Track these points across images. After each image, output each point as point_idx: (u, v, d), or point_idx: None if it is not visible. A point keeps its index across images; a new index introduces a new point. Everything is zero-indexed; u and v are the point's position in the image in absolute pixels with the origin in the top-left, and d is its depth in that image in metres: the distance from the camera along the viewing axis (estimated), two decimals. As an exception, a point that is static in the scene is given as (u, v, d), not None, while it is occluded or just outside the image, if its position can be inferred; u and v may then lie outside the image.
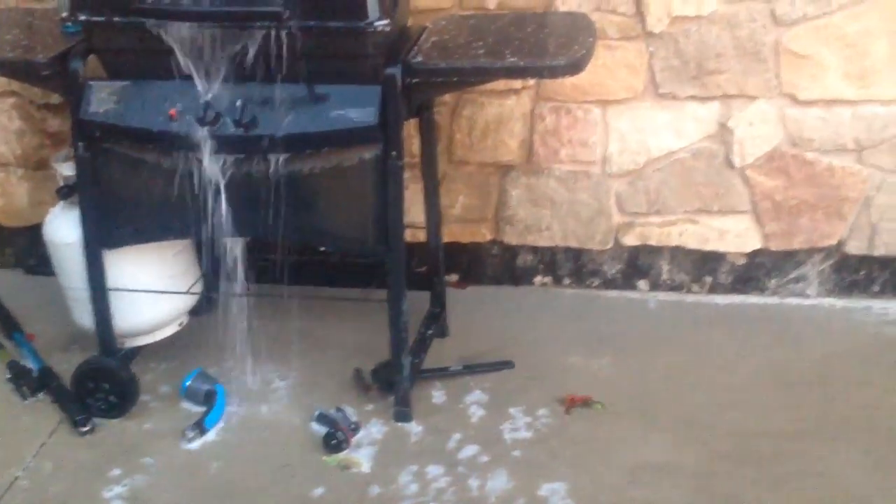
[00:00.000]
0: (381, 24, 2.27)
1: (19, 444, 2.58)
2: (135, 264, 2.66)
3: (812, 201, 3.03)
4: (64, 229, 2.66)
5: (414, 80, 2.35)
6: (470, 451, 2.50)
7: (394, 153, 2.39)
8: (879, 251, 3.08)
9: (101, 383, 2.63)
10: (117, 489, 2.42)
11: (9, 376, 2.82)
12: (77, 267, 2.63)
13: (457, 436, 2.55)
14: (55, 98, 3.22)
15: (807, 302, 3.15)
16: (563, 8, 2.91)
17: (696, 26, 2.89)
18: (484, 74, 2.50)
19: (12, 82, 3.22)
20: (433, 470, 2.43)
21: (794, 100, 2.93)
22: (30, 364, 2.86)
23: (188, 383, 2.70)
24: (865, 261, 3.12)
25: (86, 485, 2.43)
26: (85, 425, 2.60)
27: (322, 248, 2.76)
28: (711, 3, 2.86)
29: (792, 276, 3.16)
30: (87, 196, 2.56)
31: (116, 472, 2.47)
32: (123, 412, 2.67)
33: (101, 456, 2.53)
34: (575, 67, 2.35)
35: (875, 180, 2.99)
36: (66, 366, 2.80)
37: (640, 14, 2.90)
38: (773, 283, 3.18)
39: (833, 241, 3.09)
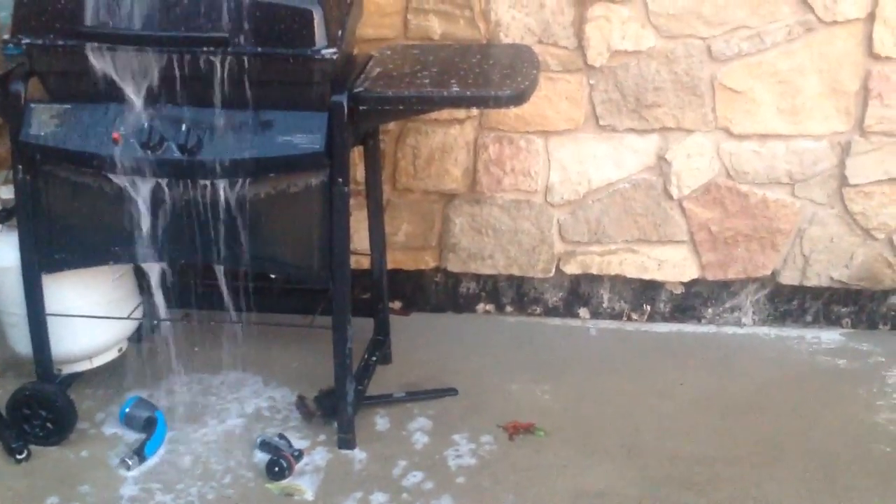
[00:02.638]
0: (329, 52, 2.28)
1: (-49, 473, 2.52)
2: (74, 289, 2.62)
3: (747, 232, 3.11)
4: (2, 253, 2.60)
5: (360, 108, 2.37)
6: (414, 477, 2.49)
7: (340, 180, 2.39)
8: (812, 282, 3.16)
9: (37, 410, 2.57)
10: (54, 518, 2.37)
11: (-60, 404, 2.75)
12: (14, 291, 2.58)
13: (401, 462, 2.55)
14: (-8, 120, 3.17)
15: (742, 330, 3.23)
16: (506, 40, 2.96)
17: (634, 61, 2.96)
18: (429, 103, 2.53)
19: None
20: (378, 497, 2.42)
21: (730, 133, 3.01)
22: (-38, 391, 2.80)
23: (127, 410, 2.65)
24: (798, 291, 3.20)
25: (21, 514, 2.39)
26: (21, 453, 2.54)
27: (272, 276, 2.75)
28: (650, 38, 2.93)
29: (728, 305, 3.23)
30: (26, 219, 2.51)
31: (54, 500, 2.42)
32: (61, 439, 2.61)
33: (37, 484, 2.48)
34: (519, 98, 2.38)
35: (807, 213, 3.08)
36: (0, 392, 2.74)
37: (581, 48, 2.96)
38: (709, 311, 3.25)
39: (767, 272, 3.16)
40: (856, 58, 2.91)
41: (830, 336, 3.18)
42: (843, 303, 3.21)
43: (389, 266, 3.03)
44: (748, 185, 3.06)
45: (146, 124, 2.36)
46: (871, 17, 2.86)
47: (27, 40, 2.34)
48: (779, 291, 3.21)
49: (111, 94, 2.35)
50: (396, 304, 3.30)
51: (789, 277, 3.17)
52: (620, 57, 2.96)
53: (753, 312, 3.24)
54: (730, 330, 3.23)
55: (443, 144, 3.10)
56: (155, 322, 2.87)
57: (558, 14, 2.92)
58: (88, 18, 2.27)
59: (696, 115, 2.99)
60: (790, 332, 3.21)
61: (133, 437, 2.64)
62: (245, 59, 2.27)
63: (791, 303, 3.22)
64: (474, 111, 3.05)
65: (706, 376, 2.96)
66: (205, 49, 2.27)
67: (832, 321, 3.23)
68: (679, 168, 3.05)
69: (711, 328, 3.24)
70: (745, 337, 3.20)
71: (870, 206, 3.05)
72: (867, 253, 3.11)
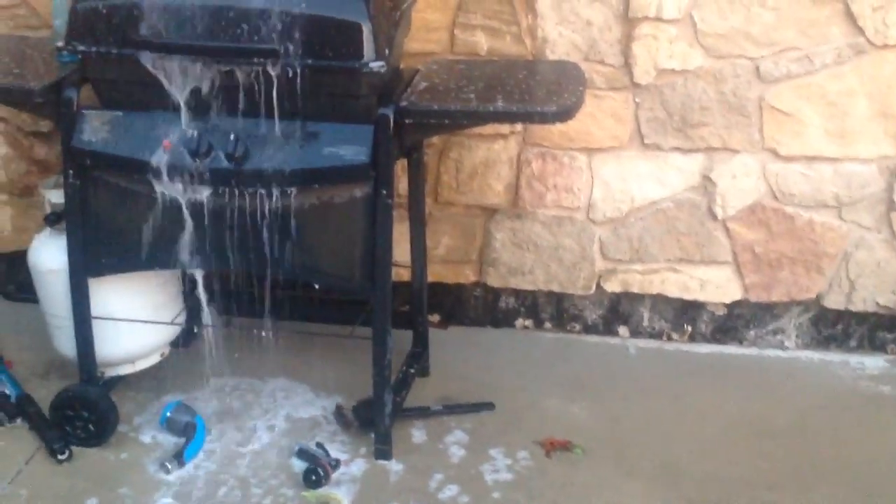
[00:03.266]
0: (376, 65, 2.30)
1: (-5, 471, 2.56)
2: (119, 293, 2.65)
3: (792, 255, 3.08)
4: (49, 256, 2.65)
5: (406, 121, 2.38)
6: (450, 491, 2.49)
7: (384, 192, 2.41)
8: (857, 307, 3.12)
9: (80, 412, 2.61)
10: (93, 519, 2.40)
11: (-14, 403, 2.80)
12: (61, 294, 2.62)
13: (437, 476, 2.55)
14: (44, 125, 3.23)
15: (784, 354, 3.19)
16: (552, 56, 2.96)
17: (681, 80, 2.95)
18: (475, 118, 2.53)
19: (0, 108, 3.23)
20: (413, 509, 2.44)
21: (776, 155, 2.99)
22: (7, 390, 2.83)
23: (168, 414, 2.68)
24: (843, 315, 3.16)
25: (62, 514, 2.42)
26: (63, 453, 2.58)
27: (316, 286, 2.76)
28: (697, 58, 2.92)
29: (770, 327, 3.20)
30: (74, 224, 2.56)
31: (93, 501, 2.45)
32: (102, 441, 2.65)
33: (77, 485, 2.51)
34: (565, 114, 2.39)
35: (854, 237, 3.05)
36: (44, 392, 2.78)
37: (627, 66, 2.95)
38: (751, 334, 3.21)
39: (812, 295, 3.13)
40: (906, 81, 2.88)
41: (875, 362, 3.14)
42: (889, 329, 3.16)
43: (429, 279, 3.03)
44: (794, 206, 3.03)
45: (195, 133, 2.38)
46: (924, 41, 2.83)
47: (81, 48, 2.38)
48: (823, 315, 3.17)
49: (162, 102, 2.38)
50: (435, 318, 3.30)
51: (834, 301, 3.13)
52: (667, 76, 2.95)
53: (797, 336, 3.20)
54: (772, 353, 3.19)
55: (486, 159, 3.10)
56: (197, 328, 2.90)
57: (605, 31, 2.92)
58: (142, 27, 2.31)
59: (743, 135, 2.97)
60: (833, 356, 3.17)
61: (173, 441, 2.67)
62: (294, 70, 2.29)
63: (835, 327, 3.18)
64: (518, 126, 3.05)
65: (747, 399, 2.93)
66: (255, 60, 2.29)
67: (877, 347, 3.19)
68: (724, 188, 3.03)
69: (753, 350, 3.21)
70: (788, 361, 3.16)
71: (918, 232, 3.02)
72: (914, 279, 3.07)
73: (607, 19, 2.91)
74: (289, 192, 2.39)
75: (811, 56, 2.88)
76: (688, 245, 3.12)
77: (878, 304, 3.11)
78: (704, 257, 3.12)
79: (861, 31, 2.83)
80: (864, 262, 3.07)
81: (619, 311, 3.26)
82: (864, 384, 3.02)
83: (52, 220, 2.66)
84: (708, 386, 3.00)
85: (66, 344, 2.70)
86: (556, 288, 3.23)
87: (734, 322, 3.21)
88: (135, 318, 2.67)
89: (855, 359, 3.15)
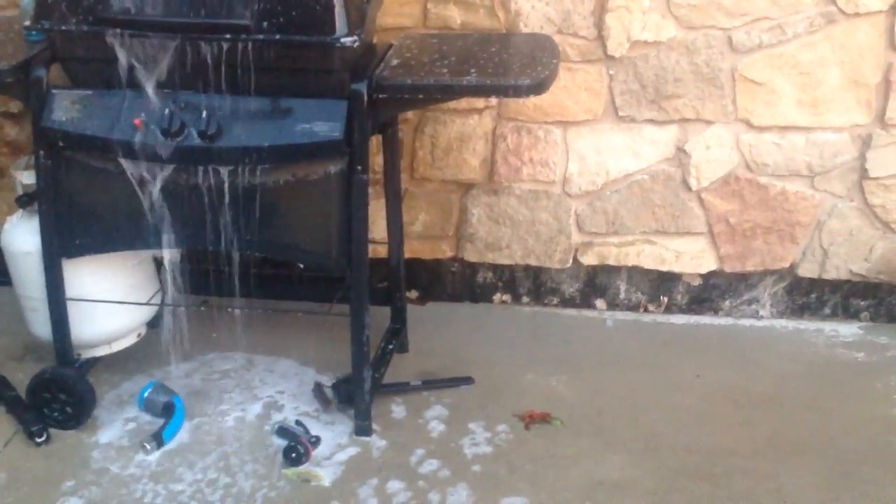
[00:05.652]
0: (348, 40, 2.28)
1: (-28, 455, 2.54)
2: (94, 274, 2.64)
3: (766, 225, 3.10)
4: (22, 238, 2.63)
5: (380, 96, 2.37)
6: (431, 465, 2.50)
7: (359, 168, 2.40)
8: (830, 275, 3.15)
9: (57, 394, 2.59)
10: (72, 500, 2.38)
11: (-38, 387, 2.77)
12: (35, 276, 2.60)
13: (418, 450, 2.55)
14: (13, 106, 3.19)
15: (759, 323, 3.22)
16: (525, 30, 2.96)
17: (655, 51, 2.95)
18: (449, 92, 2.52)
19: (-30, 90, 3.18)
20: (394, 484, 2.43)
21: (750, 125, 3.00)
22: (-17, 374, 2.82)
23: (146, 395, 2.67)
24: (817, 284, 3.19)
25: (41, 496, 2.40)
26: (40, 436, 2.57)
27: (299, 264, 2.75)
28: (670, 29, 2.92)
29: (745, 297, 3.22)
30: (47, 205, 2.53)
31: (71, 483, 2.44)
32: (80, 423, 2.63)
33: (56, 467, 2.50)
34: (539, 87, 2.38)
35: (827, 205, 3.07)
36: (20, 376, 2.77)
37: (600, 38, 2.95)
38: (727, 304, 3.24)
39: (786, 264, 3.15)
40: (878, 50, 2.88)
41: (849, 329, 3.17)
42: (862, 296, 3.19)
43: (407, 255, 3.02)
44: (768, 177, 3.05)
45: (167, 111, 2.36)
46: (894, 10, 2.83)
47: (49, 26, 2.35)
48: (797, 284, 3.20)
49: (133, 80, 2.36)
50: (413, 294, 3.31)
51: (808, 270, 3.16)
52: (640, 47, 2.95)
53: (771, 305, 3.23)
54: (747, 322, 3.22)
55: (461, 134, 3.10)
56: (173, 308, 2.88)
57: (578, 3, 2.91)
58: (110, 4, 2.28)
59: (716, 106, 2.98)
60: (808, 324, 3.20)
61: (151, 421, 2.66)
62: (266, 46, 2.27)
63: (809, 295, 3.21)
64: (493, 101, 3.05)
65: (723, 369, 2.95)
66: (226, 36, 2.27)
67: (851, 314, 3.22)
68: (698, 159, 3.04)
69: (729, 320, 3.23)
70: (763, 329, 3.19)
71: (890, 199, 3.04)
72: (886, 246, 3.09)
73: (580, -9, 2.91)
74: (262, 169, 2.38)
75: (783, 26, 2.88)
76: (663, 217, 3.13)
77: (850, 271, 3.14)
78: (679, 229, 3.14)
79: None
80: (836, 231, 3.09)
81: (596, 284, 3.27)
82: (839, 351, 3.06)
83: (24, 201, 2.64)
84: (685, 356, 3.02)
85: (41, 326, 2.68)
86: (533, 262, 3.24)
87: (709, 293, 3.23)
88: (110, 300, 2.66)
89: (829, 326, 3.19)
